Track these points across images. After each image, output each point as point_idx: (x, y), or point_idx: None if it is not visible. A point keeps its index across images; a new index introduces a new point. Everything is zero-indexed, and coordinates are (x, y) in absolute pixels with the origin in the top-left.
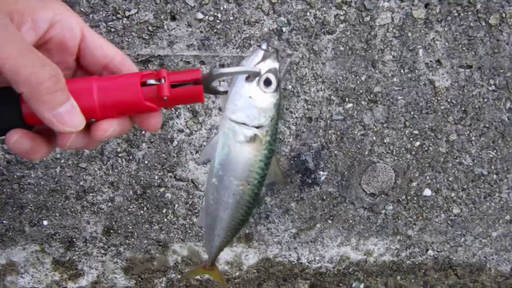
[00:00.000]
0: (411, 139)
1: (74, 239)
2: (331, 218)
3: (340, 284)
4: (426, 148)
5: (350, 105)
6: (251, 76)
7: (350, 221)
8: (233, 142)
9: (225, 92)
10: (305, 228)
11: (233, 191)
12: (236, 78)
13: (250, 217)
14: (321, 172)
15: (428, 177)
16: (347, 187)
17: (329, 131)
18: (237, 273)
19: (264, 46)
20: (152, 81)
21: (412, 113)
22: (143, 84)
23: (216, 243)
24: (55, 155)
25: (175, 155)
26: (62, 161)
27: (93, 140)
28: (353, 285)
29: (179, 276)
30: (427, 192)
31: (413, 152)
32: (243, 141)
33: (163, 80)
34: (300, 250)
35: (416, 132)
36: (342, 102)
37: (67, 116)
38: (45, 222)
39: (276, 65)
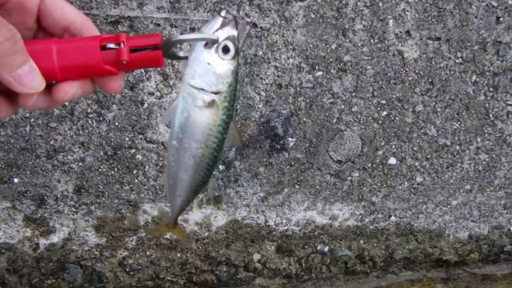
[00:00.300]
0: (379, 108)
1: (45, 197)
2: (299, 183)
3: (306, 247)
4: (392, 118)
5: (319, 73)
6: (209, 43)
7: (317, 187)
8: (192, 107)
9: (185, 58)
10: (273, 192)
11: (193, 154)
12: (195, 45)
13: (210, 179)
14: (289, 139)
15: (393, 146)
16: (314, 154)
17: (299, 98)
18: (206, 234)
19: (223, 13)
20: (111, 45)
21: (380, 83)
22: (103, 48)
23: (178, 202)
24: (24, 114)
25: (146, 118)
26: (32, 120)
27: (55, 101)
28: (318, 247)
29: (149, 236)
30: (392, 160)
31: (380, 121)
32: (201, 106)
33: (122, 45)
34: (267, 213)
35: (383, 102)
36: (312, 70)
37: (26, 77)
38: (15, 180)
39: (234, 32)
